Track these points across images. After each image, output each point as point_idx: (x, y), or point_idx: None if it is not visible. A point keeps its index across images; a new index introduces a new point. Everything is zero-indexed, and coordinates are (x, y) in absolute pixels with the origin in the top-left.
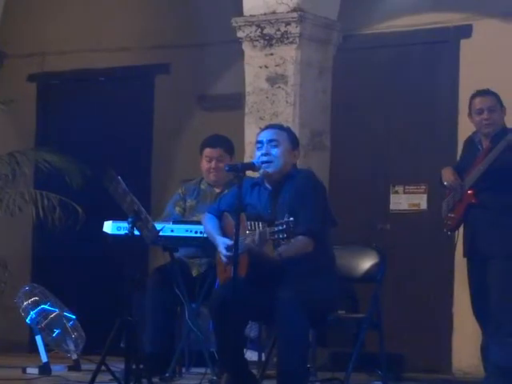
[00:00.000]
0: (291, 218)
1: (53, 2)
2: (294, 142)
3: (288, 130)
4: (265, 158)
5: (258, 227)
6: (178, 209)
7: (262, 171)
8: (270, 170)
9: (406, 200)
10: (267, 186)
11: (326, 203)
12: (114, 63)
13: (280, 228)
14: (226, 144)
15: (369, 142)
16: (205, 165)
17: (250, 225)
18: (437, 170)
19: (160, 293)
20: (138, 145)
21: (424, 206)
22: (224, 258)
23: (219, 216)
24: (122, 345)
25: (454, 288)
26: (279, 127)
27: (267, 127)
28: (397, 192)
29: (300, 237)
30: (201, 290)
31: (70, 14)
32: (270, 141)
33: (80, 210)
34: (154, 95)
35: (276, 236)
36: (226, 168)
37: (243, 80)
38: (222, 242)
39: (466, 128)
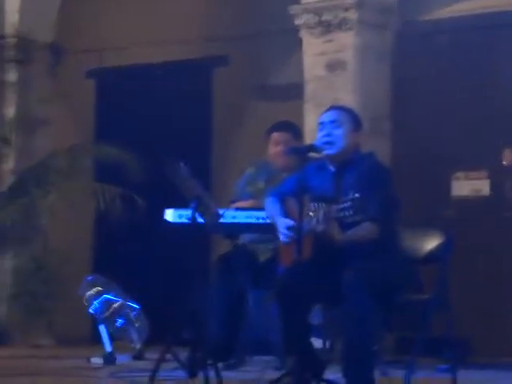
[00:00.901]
0: (357, 195)
1: None
2: (356, 123)
3: (350, 111)
4: (326, 139)
5: (322, 208)
6: (249, 189)
7: (324, 152)
8: (332, 151)
9: (467, 186)
10: (330, 167)
11: (392, 187)
12: (172, 57)
13: (345, 205)
14: (294, 128)
15: (429, 127)
16: (272, 150)
17: (314, 206)
18: (498, 155)
19: (225, 280)
20: (197, 139)
21: (486, 192)
22: (284, 238)
23: (282, 199)
24: (185, 336)
25: None
26: (341, 108)
27: (329, 108)
28: (458, 178)
29: (366, 223)
30: (267, 275)
31: (126, 9)
32: (332, 122)
33: (140, 201)
34: (213, 88)
35: (341, 213)
36: (287, 150)
37: (302, 69)
38: (282, 223)
39: None
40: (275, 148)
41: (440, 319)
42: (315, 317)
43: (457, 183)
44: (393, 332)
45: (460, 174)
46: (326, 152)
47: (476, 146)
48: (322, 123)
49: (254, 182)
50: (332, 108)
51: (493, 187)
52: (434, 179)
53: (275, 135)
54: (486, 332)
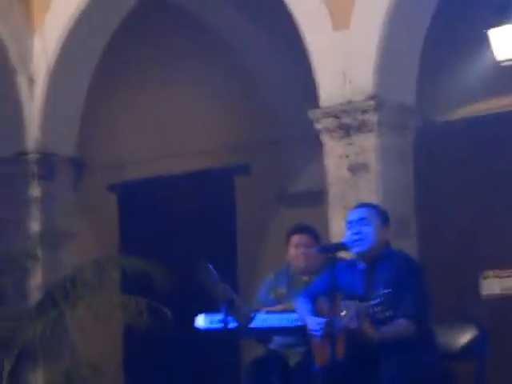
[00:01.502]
0: (386, 291)
1: (128, 110)
2: (384, 219)
3: (377, 208)
4: (356, 237)
5: (354, 305)
6: (272, 295)
7: (354, 250)
8: (362, 249)
9: (498, 284)
10: (360, 264)
11: (425, 283)
12: (193, 167)
13: (376, 301)
14: (313, 232)
15: (454, 228)
16: (292, 252)
17: (345, 305)
18: None
19: None
20: (222, 248)
21: None
22: (316, 333)
23: (313, 300)
24: None
25: None
26: (369, 205)
27: (357, 206)
28: (487, 277)
29: (402, 320)
30: (299, 379)
31: (145, 121)
32: (361, 219)
33: (169, 313)
34: (235, 196)
35: (372, 310)
36: (318, 249)
37: (322, 175)
38: (313, 321)
39: None
40: (296, 250)
41: None
42: None
43: (486, 282)
44: None
45: (489, 273)
46: (355, 250)
47: (504, 244)
48: (350, 222)
49: (275, 289)
50: (360, 206)
51: None
52: (463, 278)
53: (295, 237)
54: None
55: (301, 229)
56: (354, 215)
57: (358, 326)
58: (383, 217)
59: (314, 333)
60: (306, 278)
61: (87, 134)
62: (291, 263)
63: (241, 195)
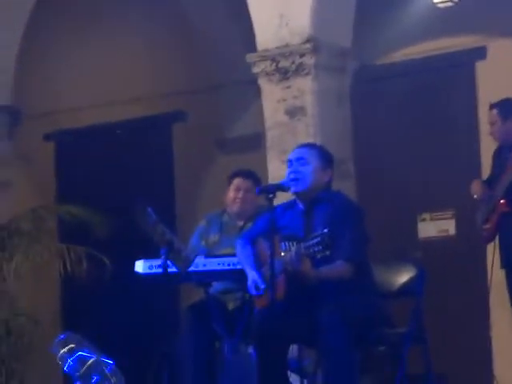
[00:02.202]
0: (325, 230)
1: (63, 59)
2: (325, 160)
3: (319, 149)
4: (293, 176)
5: (293, 246)
6: (203, 242)
7: (291, 190)
8: (299, 188)
9: (434, 227)
10: (299, 205)
11: (364, 225)
12: (129, 115)
13: (315, 241)
14: (256, 178)
15: (392, 170)
16: (231, 194)
17: (285, 245)
18: (462, 194)
19: (196, 331)
20: (159, 195)
21: (452, 231)
22: (252, 291)
23: (253, 241)
24: None
25: (489, 312)
26: (310, 145)
27: (298, 146)
28: (424, 219)
29: (340, 262)
30: (239, 324)
31: (81, 70)
32: (299, 159)
33: (107, 260)
34: (173, 144)
35: (312, 250)
36: (257, 190)
37: (261, 119)
38: (252, 276)
39: (487, 149)
40: (235, 193)
41: (417, 356)
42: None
43: (423, 224)
44: (370, 372)
45: (426, 215)
46: (293, 189)
47: (439, 186)
48: (289, 161)
49: (206, 236)
50: (301, 146)
51: (459, 226)
52: (400, 220)
53: (238, 180)
54: (463, 367)
55: (244, 173)
56: (293, 155)
57: (297, 267)
58: (325, 158)
59: (250, 289)
60: (240, 224)
61: (23, 83)
62: (227, 207)
63: (178, 142)
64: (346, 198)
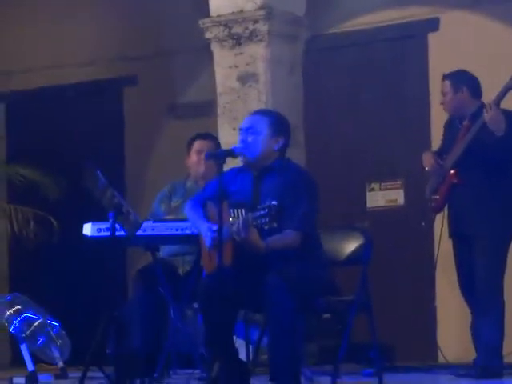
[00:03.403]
0: (273, 202)
1: (15, 19)
2: (276, 128)
3: (271, 117)
4: (241, 145)
5: (241, 214)
6: (163, 206)
7: (241, 157)
8: (247, 158)
9: (382, 196)
10: (251, 173)
11: (317, 199)
12: (81, 78)
13: (262, 212)
14: (215, 138)
15: (341, 139)
16: (194, 158)
17: (234, 212)
18: (411, 164)
19: (145, 294)
20: (109, 158)
21: (401, 201)
22: (208, 244)
23: (203, 204)
24: (108, 351)
25: (435, 282)
26: (261, 114)
27: (250, 114)
28: (373, 189)
29: (289, 231)
30: (187, 288)
31: (33, 31)
32: (248, 128)
33: (55, 222)
34: (124, 108)
35: (259, 221)
36: (206, 156)
37: (213, 85)
38: (206, 227)
39: (438, 121)
40: (198, 156)
41: (362, 325)
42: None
43: (372, 194)
44: (316, 340)
45: (375, 185)
46: (241, 158)
47: (389, 156)
48: (240, 129)
49: (168, 201)
50: (253, 113)
51: (408, 196)
52: (348, 189)
53: (198, 143)
54: (408, 336)
55: (204, 135)
56: (244, 124)
57: (244, 236)
58: (277, 127)
59: (207, 239)
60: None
61: None
62: (191, 171)
63: (129, 106)
64: (301, 170)
